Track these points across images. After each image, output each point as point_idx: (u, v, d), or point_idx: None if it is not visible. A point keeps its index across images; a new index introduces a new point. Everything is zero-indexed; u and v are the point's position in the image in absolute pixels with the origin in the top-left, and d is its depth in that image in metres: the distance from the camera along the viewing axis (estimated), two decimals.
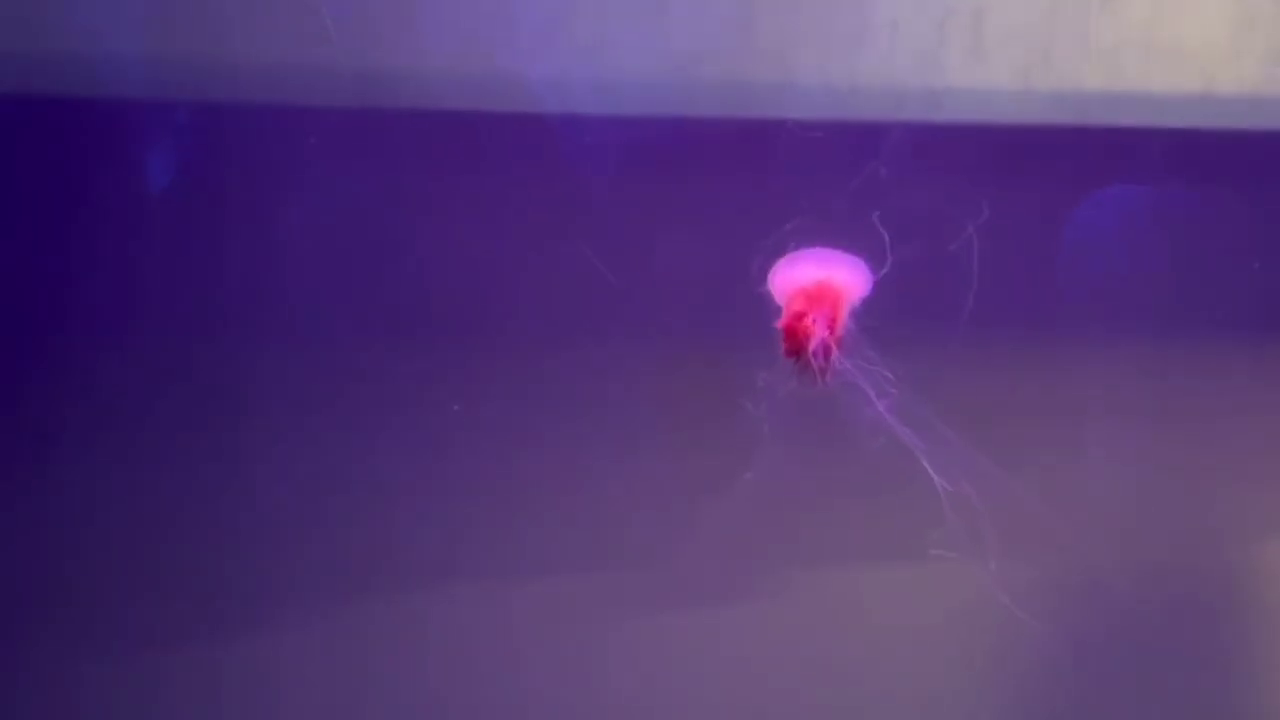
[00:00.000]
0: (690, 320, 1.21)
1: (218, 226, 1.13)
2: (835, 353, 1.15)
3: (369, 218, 1.15)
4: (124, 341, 1.13)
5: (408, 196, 1.16)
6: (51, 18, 1.08)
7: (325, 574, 1.16)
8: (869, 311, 1.18)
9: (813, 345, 1.14)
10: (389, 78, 1.08)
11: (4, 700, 1.13)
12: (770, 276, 1.17)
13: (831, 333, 1.15)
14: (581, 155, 1.14)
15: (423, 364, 1.17)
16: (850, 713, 1.22)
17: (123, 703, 1.14)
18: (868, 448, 1.14)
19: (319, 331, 1.14)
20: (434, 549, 1.18)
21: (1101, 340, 1.24)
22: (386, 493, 1.17)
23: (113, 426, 1.12)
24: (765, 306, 1.16)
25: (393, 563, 1.17)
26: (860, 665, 1.23)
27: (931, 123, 1.17)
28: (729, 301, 1.19)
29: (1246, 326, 1.25)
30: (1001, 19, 1.17)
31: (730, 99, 1.14)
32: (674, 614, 1.22)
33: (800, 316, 1.15)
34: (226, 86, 1.07)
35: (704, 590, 1.22)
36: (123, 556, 1.12)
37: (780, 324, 1.14)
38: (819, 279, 1.16)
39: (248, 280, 1.14)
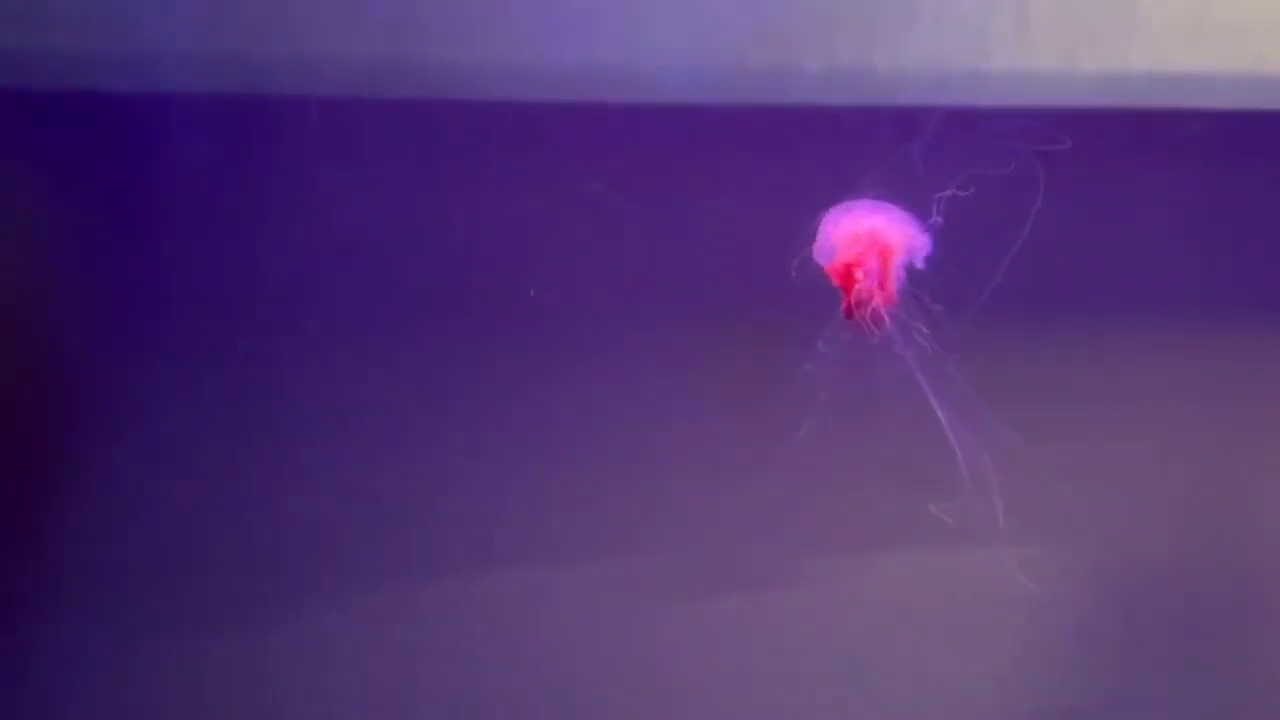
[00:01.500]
0: (738, 296, 1.23)
1: (268, 216, 1.16)
2: (884, 304, 1.16)
3: (422, 207, 1.17)
4: (180, 331, 1.16)
5: (454, 184, 1.17)
6: (94, 12, 1.09)
7: (374, 555, 1.20)
8: (916, 281, 1.19)
9: (861, 295, 1.16)
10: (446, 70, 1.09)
11: (78, 674, 1.18)
12: (823, 227, 1.18)
13: (881, 286, 1.17)
14: (631, 140, 1.15)
15: (466, 348, 1.19)
16: (869, 690, 1.25)
17: (182, 677, 1.19)
18: (903, 422, 1.16)
19: (365, 320, 1.17)
20: (476, 532, 1.21)
21: (1148, 324, 1.24)
22: (433, 474, 1.20)
23: (172, 413, 1.16)
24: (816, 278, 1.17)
25: (438, 544, 1.21)
26: (881, 644, 1.25)
27: (977, 106, 1.17)
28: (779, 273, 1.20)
29: None
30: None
31: (774, 86, 1.14)
32: (719, 591, 1.25)
33: (850, 267, 1.16)
34: (277, 79, 1.08)
35: (745, 567, 1.25)
36: (182, 541, 1.17)
37: (830, 270, 1.16)
38: (870, 229, 1.17)
39: (298, 268, 1.17)
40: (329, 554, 1.20)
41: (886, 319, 1.18)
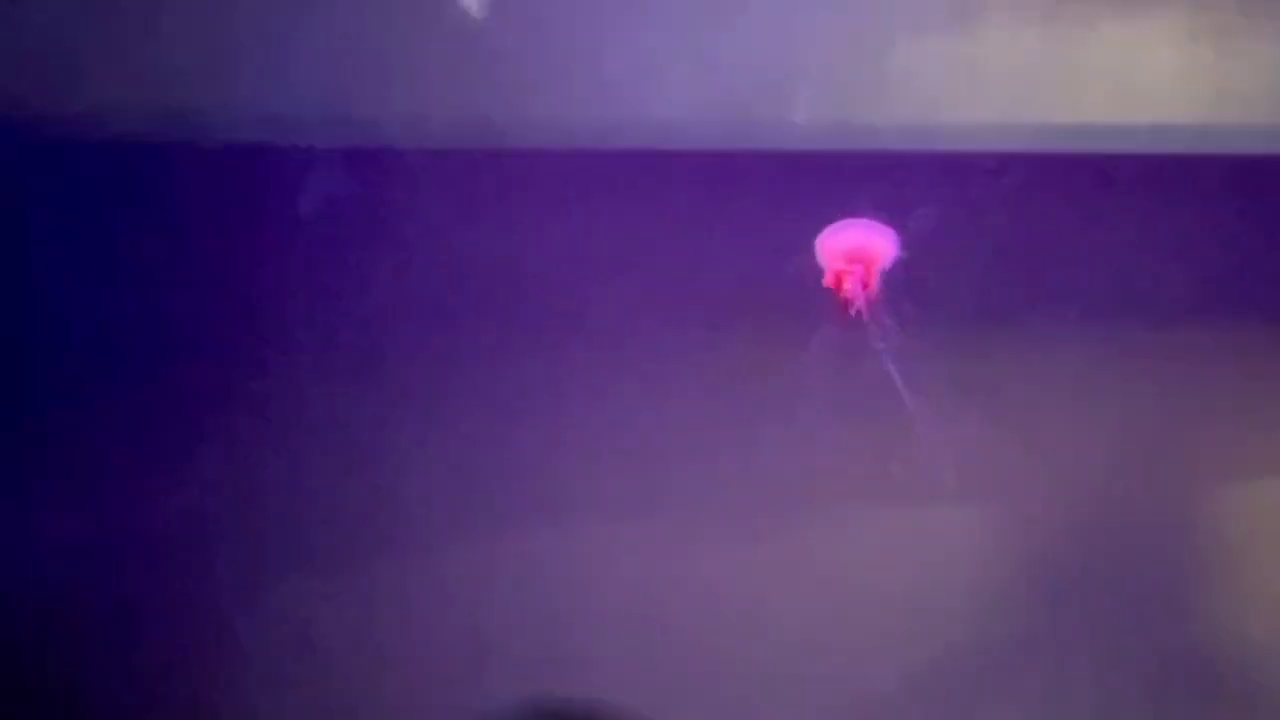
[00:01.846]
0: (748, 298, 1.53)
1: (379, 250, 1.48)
2: (869, 302, 1.46)
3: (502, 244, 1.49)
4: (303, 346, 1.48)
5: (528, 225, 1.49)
6: (219, 75, 1.40)
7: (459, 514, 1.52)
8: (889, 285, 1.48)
9: (852, 296, 1.44)
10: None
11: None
12: (819, 242, 1.47)
13: (866, 287, 1.46)
14: (649, 183, 1.47)
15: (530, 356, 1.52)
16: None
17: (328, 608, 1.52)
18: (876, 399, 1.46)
19: (459, 334, 1.49)
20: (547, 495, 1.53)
21: (1074, 326, 1.54)
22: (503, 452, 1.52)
23: (324, 406, 1.49)
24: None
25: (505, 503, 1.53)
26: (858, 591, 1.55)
27: (937, 150, 1.46)
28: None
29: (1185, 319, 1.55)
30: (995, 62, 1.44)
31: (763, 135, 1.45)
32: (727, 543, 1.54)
33: (841, 274, 1.45)
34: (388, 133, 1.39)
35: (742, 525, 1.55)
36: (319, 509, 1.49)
37: (826, 279, 1.47)
38: (857, 243, 1.47)
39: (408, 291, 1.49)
40: (426, 513, 1.51)
41: (868, 315, 1.47)
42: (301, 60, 1.39)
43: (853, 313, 1.46)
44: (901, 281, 1.47)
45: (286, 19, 1.39)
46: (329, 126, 1.40)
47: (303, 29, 1.39)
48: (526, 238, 1.51)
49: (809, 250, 1.47)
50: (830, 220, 1.48)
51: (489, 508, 1.55)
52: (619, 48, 1.40)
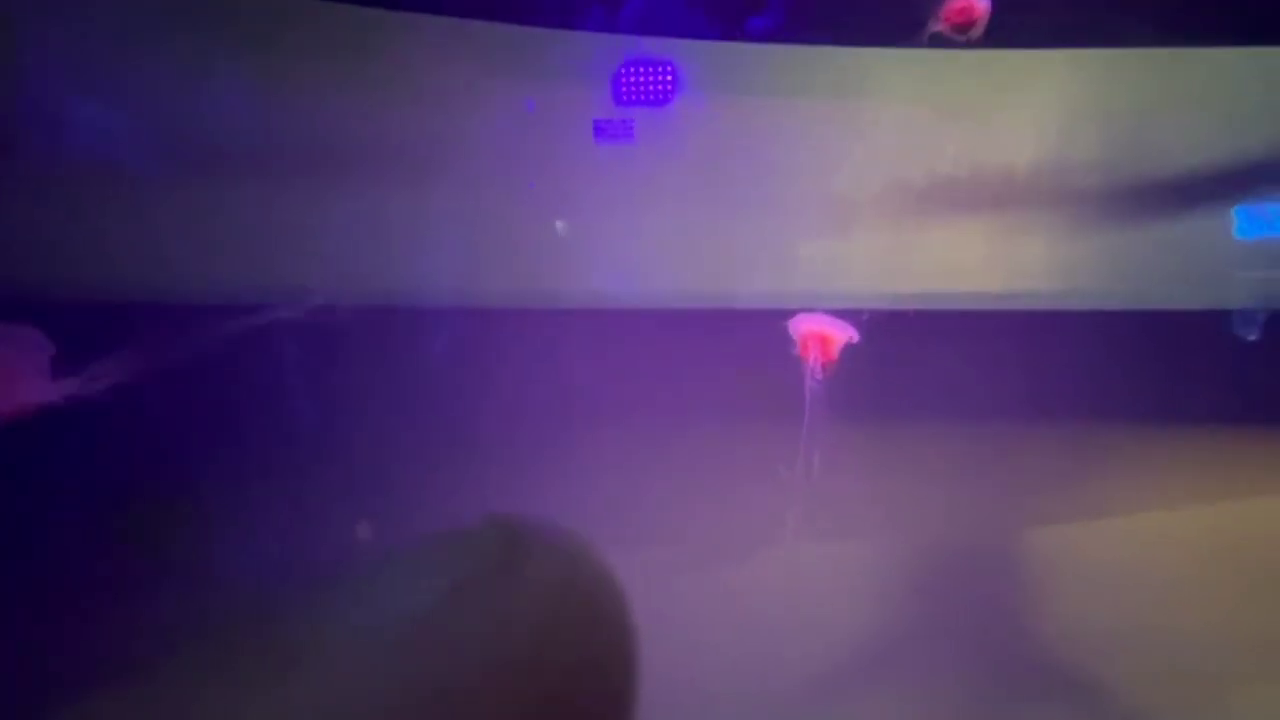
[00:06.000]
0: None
1: None
2: (829, 368, 2.03)
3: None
4: None
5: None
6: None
7: None
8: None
9: (816, 363, 2.02)
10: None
11: None
12: (793, 324, 2.08)
13: (824, 355, 2.04)
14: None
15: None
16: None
17: None
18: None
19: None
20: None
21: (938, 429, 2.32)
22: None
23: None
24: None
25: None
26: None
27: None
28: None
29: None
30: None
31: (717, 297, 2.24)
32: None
33: (807, 345, 2.03)
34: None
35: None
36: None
37: (800, 351, 2.04)
38: (821, 326, 2.08)
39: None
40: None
41: (825, 373, 2.13)
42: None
43: (814, 376, 2.16)
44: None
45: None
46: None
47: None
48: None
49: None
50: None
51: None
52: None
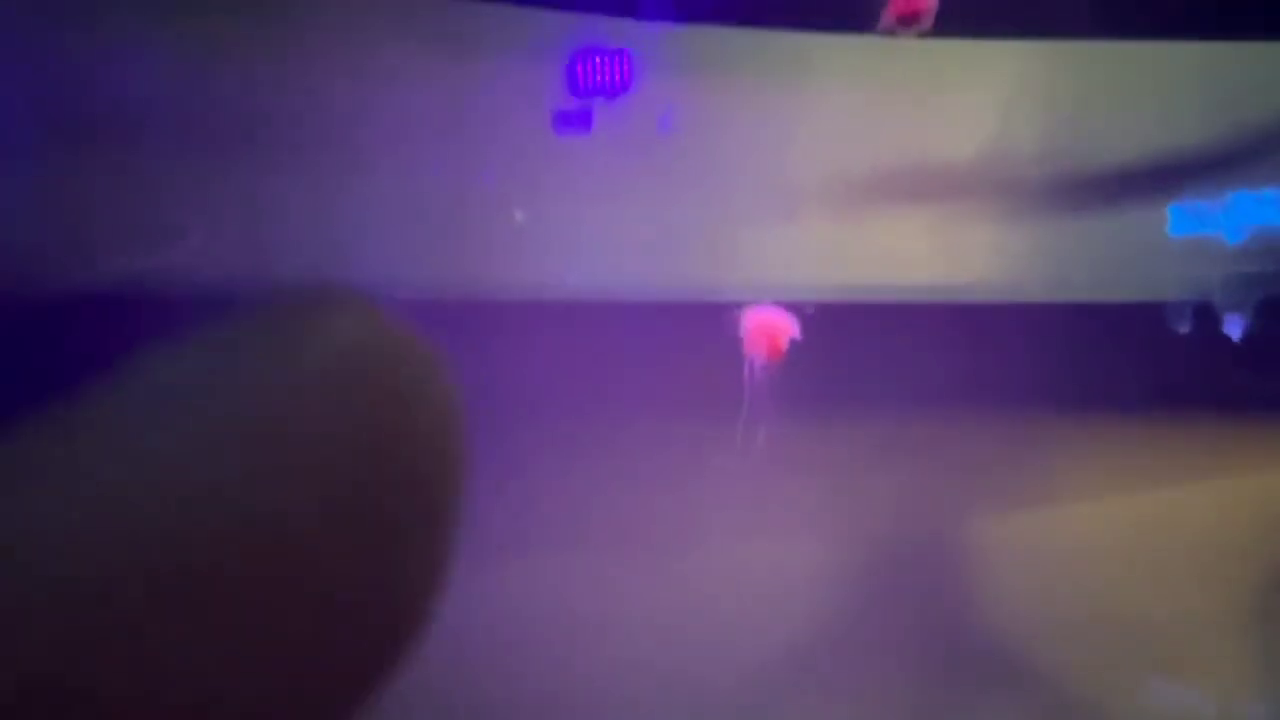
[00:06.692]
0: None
1: None
2: (774, 362, 2.15)
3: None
4: None
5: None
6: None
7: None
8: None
9: (763, 355, 2.15)
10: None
11: None
12: (743, 318, 2.18)
13: (772, 347, 2.16)
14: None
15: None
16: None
17: None
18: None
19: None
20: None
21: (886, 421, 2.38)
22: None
23: None
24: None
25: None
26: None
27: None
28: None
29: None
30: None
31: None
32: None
33: (754, 337, 2.16)
34: None
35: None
36: None
37: (746, 346, 2.16)
38: (769, 320, 2.19)
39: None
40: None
41: (773, 363, 2.26)
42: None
43: (764, 360, 2.23)
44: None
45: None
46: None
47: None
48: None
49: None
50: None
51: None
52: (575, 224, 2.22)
